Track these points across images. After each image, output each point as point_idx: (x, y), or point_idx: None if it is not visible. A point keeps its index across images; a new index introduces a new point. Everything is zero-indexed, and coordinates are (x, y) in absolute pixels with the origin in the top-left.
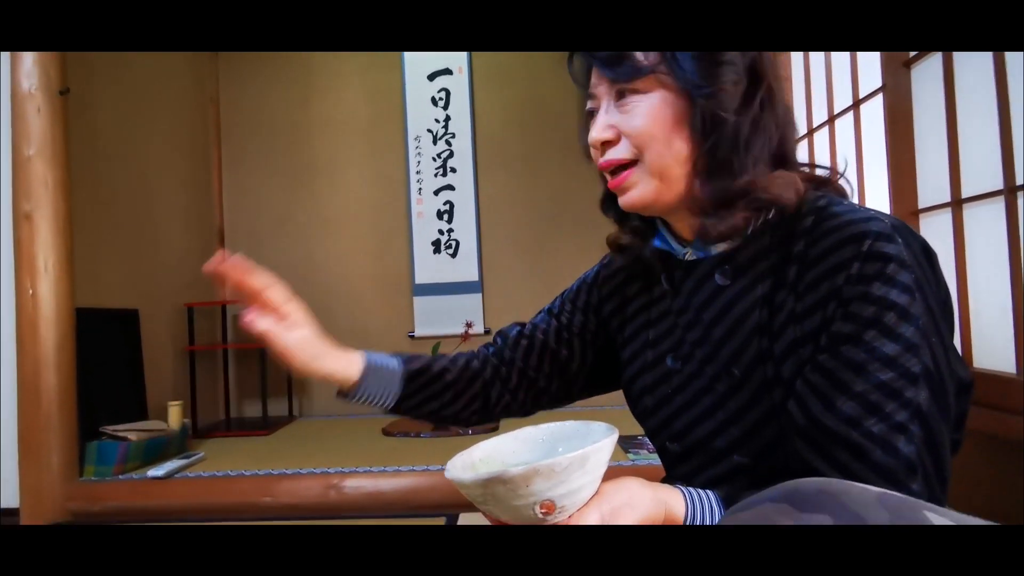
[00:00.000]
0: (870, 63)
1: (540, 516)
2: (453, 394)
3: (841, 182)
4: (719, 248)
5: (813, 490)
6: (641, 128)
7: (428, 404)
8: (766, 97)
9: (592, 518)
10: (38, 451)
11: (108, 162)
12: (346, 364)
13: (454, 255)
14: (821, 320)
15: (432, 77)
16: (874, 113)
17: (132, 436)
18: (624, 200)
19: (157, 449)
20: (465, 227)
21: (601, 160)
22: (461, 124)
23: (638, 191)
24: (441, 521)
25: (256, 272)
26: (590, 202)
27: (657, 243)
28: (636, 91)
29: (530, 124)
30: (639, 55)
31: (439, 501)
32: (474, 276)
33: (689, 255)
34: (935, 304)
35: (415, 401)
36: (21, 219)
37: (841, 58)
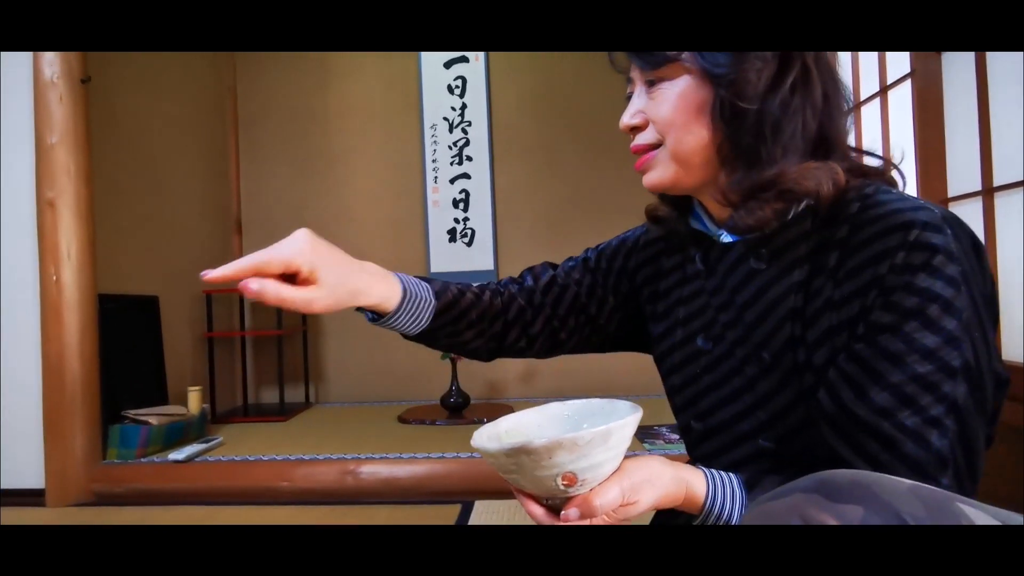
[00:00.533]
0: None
1: (562, 487)
2: (475, 332)
3: (893, 173)
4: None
5: (845, 481)
6: (665, 114)
7: (448, 338)
8: (799, 80)
9: (613, 492)
10: (62, 434)
11: (129, 150)
12: (387, 293)
13: (469, 244)
14: (860, 308)
15: (448, 65)
16: (902, 99)
17: (153, 420)
18: (645, 180)
19: (177, 433)
20: (481, 216)
21: (631, 145)
22: (477, 112)
23: (656, 173)
24: (456, 508)
25: (268, 261)
26: (606, 190)
27: (692, 222)
28: (664, 78)
29: (547, 112)
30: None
31: (454, 488)
32: (489, 265)
33: (724, 236)
34: (980, 298)
35: (438, 334)
36: (44, 206)
37: None
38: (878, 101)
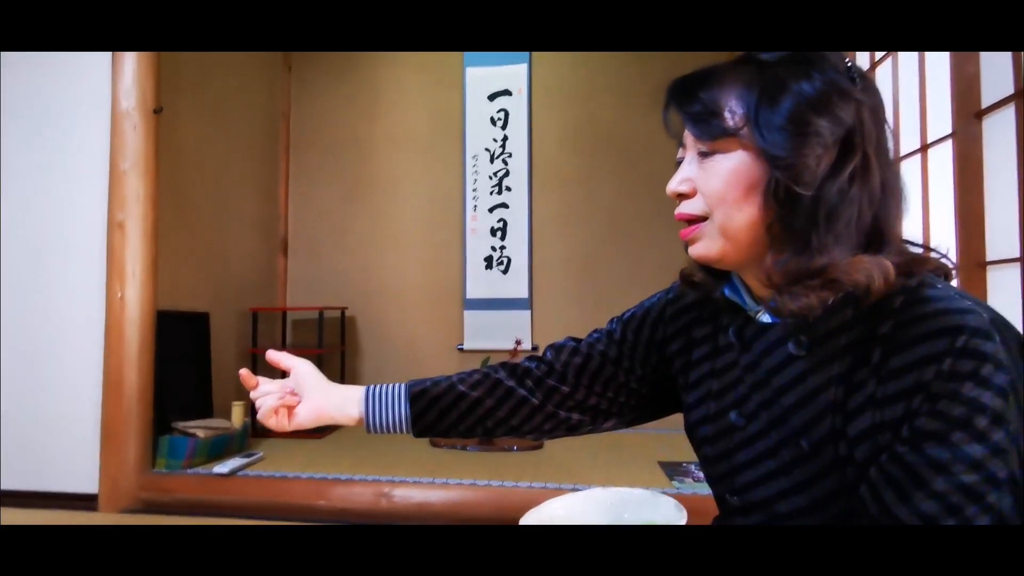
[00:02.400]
0: (939, 109)
1: None
2: (473, 407)
3: (943, 261)
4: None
5: None
6: (715, 188)
7: (446, 418)
8: (858, 169)
9: None
10: (117, 443)
11: (189, 174)
12: (344, 404)
13: (505, 271)
14: (904, 411)
15: (492, 97)
16: (942, 159)
17: (200, 433)
18: (691, 251)
19: (221, 446)
20: (517, 245)
21: (676, 212)
22: (518, 144)
23: (703, 246)
24: None
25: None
26: (642, 224)
27: (727, 292)
28: (718, 151)
29: (586, 145)
30: (727, 115)
31: (486, 515)
32: (524, 293)
33: (762, 314)
34: None
35: (431, 418)
36: (115, 228)
37: (909, 100)
38: (918, 159)
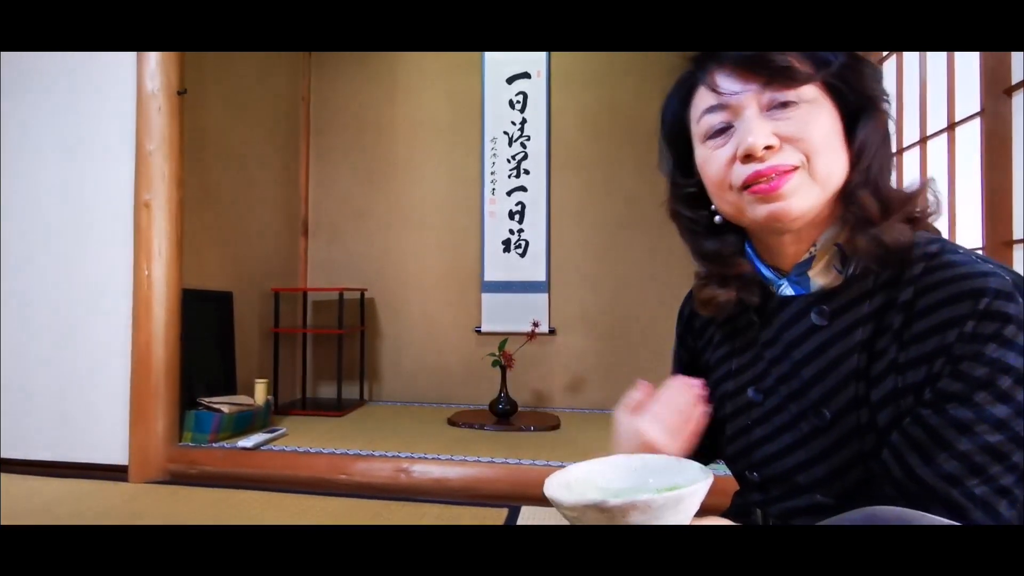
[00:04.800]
0: (967, 86)
1: None
2: None
3: (931, 220)
4: (816, 285)
5: (892, 516)
6: (812, 134)
7: None
8: (886, 133)
9: None
10: (146, 416)
11: (213, 156)
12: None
13: (523, 255)
14: (927, 375)
15: (511, 80)
16: (969, 137)
17: (225, 408)
18: (777, 208)
19: (245, 422)
20: (535, 228)
21: (759, 167)
22: (537, 127)
23: (799, 199)
24: (504, 512)
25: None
26: (661, 207)
27: (757, 266)
28: (802, 99)
29: (604, 128)
30: (795, 62)
31: (502, 492)
32: (542, 276)
33: (785, 288)
34: None
35: None
36: (141, 208)
37: (936, 77)
38: (945, 137)
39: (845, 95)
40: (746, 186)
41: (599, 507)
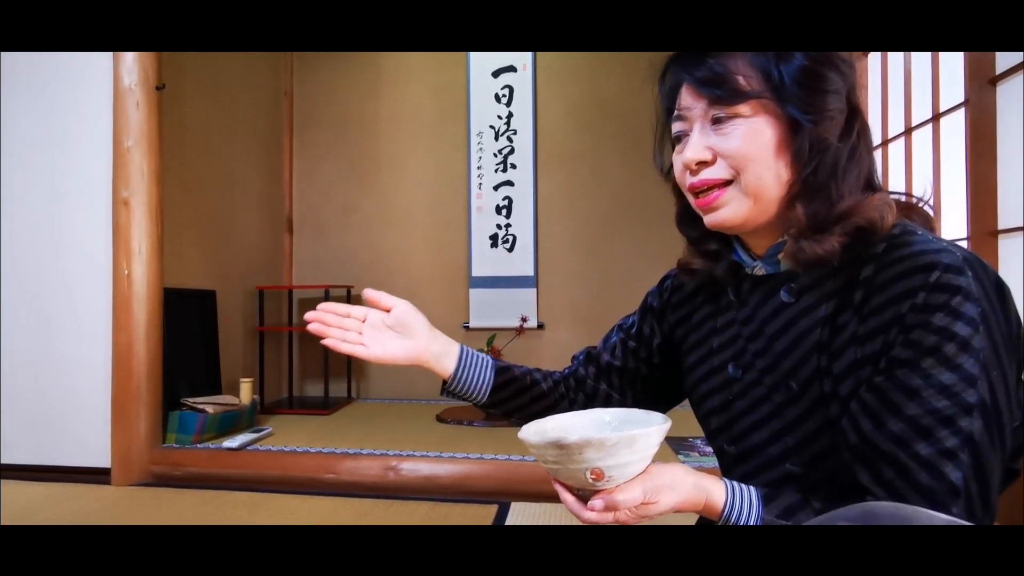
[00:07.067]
0: (952, 76)
1: (591, 481)
2: (539, 398)
3: (924, 208)
4: (787, 266)
5: (887, 514)
6: (743, 150)
7: (514, 400)
8: (861, 127)
9: (635, 491)
10: (128, 418)
11: (194, 152)
12: (443, 355)
13: (511, 249)
14: (882, 344)
15: (496, 74)
16: (954, 128)
17: (209, 409)
18: (713, 218)
19: (230, 422)
20: (522, 222)
21: (693, 180)
22: (523, 121)
23: (730, 210)
24: (493, 508)
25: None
26: (648, 201)
27: (735, 251)
28: (736, 115)
29: (591, 122)
30: (740, 80)
31: (492, 488)
32: (529, 271)
33: (758, 269)
34: (1001, 339)
35: (506, 393)
36: (120, 205)
37: (921, 68)
38: (930, 127)
39: (789, 109)
40: (692, 193)
41: (557, 443)
